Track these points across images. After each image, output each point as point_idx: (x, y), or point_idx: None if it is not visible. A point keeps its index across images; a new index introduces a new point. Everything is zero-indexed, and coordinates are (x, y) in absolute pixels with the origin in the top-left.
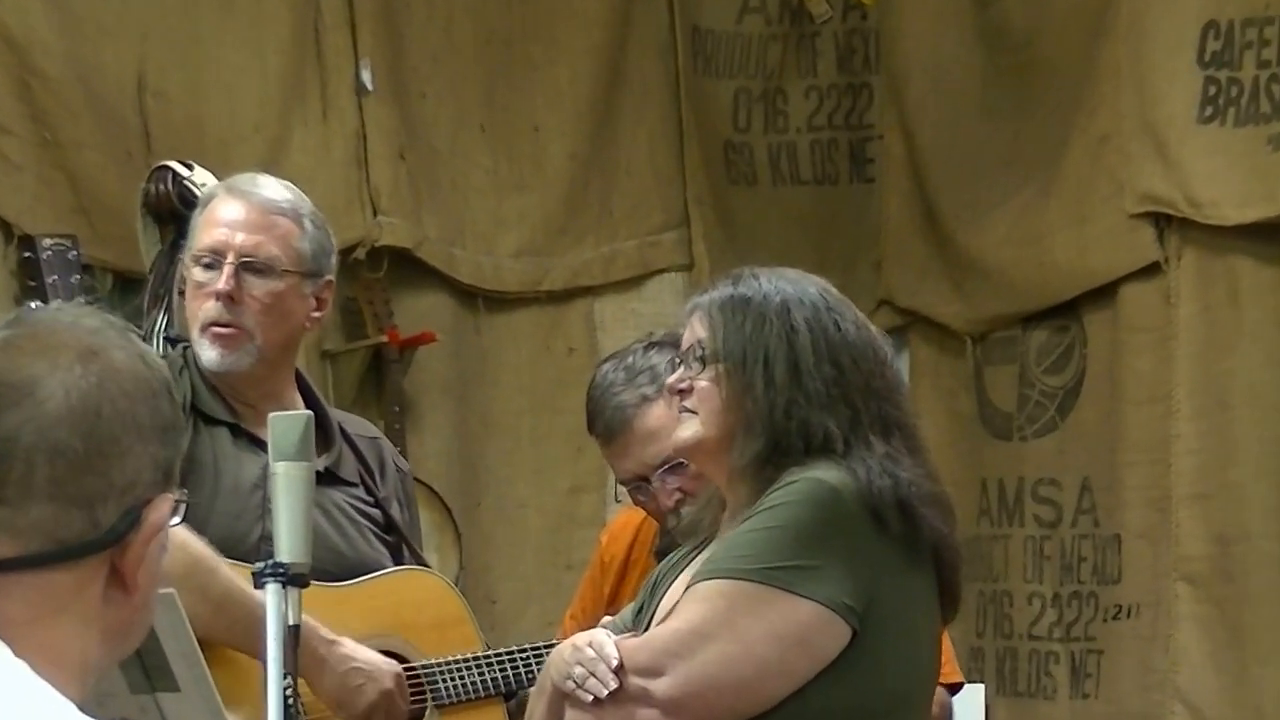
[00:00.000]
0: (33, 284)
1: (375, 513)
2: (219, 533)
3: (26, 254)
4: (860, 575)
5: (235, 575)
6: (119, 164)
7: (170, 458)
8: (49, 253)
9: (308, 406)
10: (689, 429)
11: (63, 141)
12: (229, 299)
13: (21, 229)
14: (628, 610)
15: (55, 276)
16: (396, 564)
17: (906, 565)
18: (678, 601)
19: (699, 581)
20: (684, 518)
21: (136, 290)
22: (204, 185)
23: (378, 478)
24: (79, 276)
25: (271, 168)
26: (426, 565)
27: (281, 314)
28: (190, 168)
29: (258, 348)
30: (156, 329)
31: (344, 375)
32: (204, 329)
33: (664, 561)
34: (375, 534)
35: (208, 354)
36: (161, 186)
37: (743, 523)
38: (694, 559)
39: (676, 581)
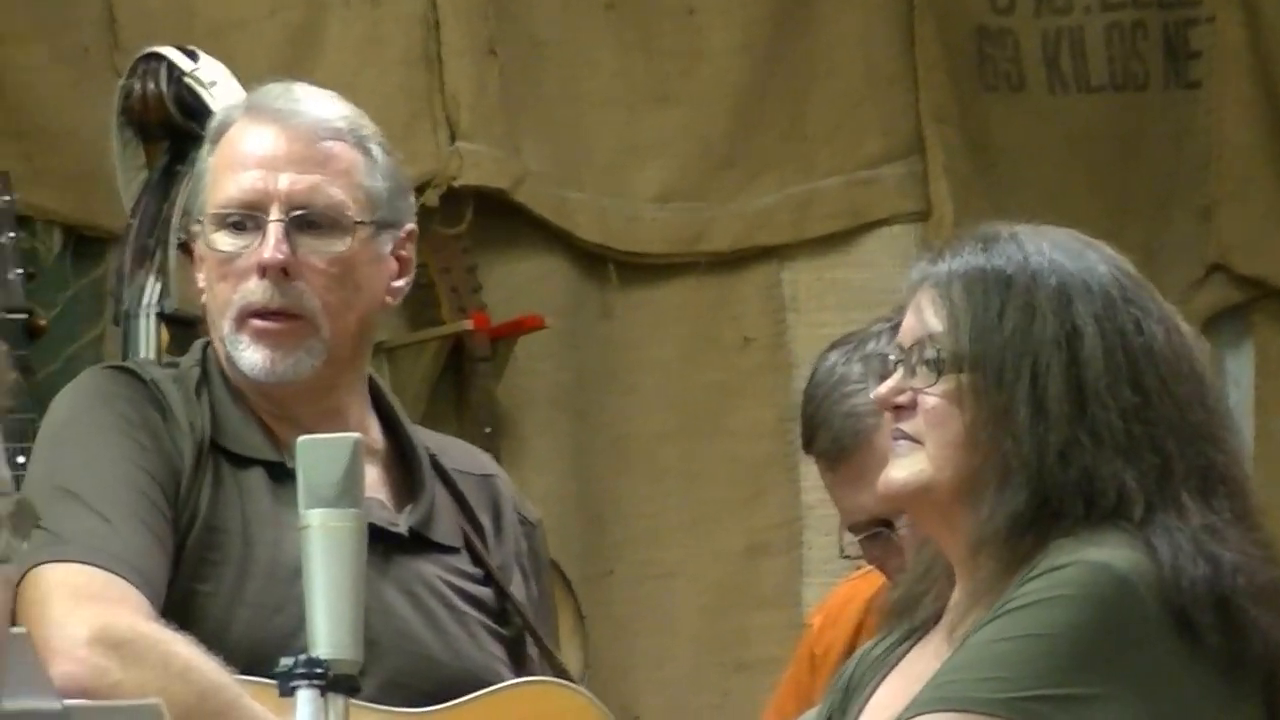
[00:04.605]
0: None
1: (485, 592)
2: (249, 636)
3: None
4: (1159, 709)
5: (268, 714)
6: (70, 64)
7: None
8: None
9: (387, 429)
10: (908, 466)
11: None
12: (280, 273)
13: None
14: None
15: None
16: (517, 671)
17: (1227, 693)
18: None
19: (921, 712)
20: (894, 589)
21: (96, 253)
22: (214, 85)
23: (490, 537)
24: (12, 234)
25: (295, 71)
26: (564, 671)
27: (354, 287)
28: (194, 57)
29: (324, 343)
30: (146, 301)
31: (407, 380)
32: (240, 321)
33: (860, 653)
34: (485, 625)
35: (251, 358)
36: (151, 85)
37: (988, 622)
38: (907, 653)
39: (881, 689)
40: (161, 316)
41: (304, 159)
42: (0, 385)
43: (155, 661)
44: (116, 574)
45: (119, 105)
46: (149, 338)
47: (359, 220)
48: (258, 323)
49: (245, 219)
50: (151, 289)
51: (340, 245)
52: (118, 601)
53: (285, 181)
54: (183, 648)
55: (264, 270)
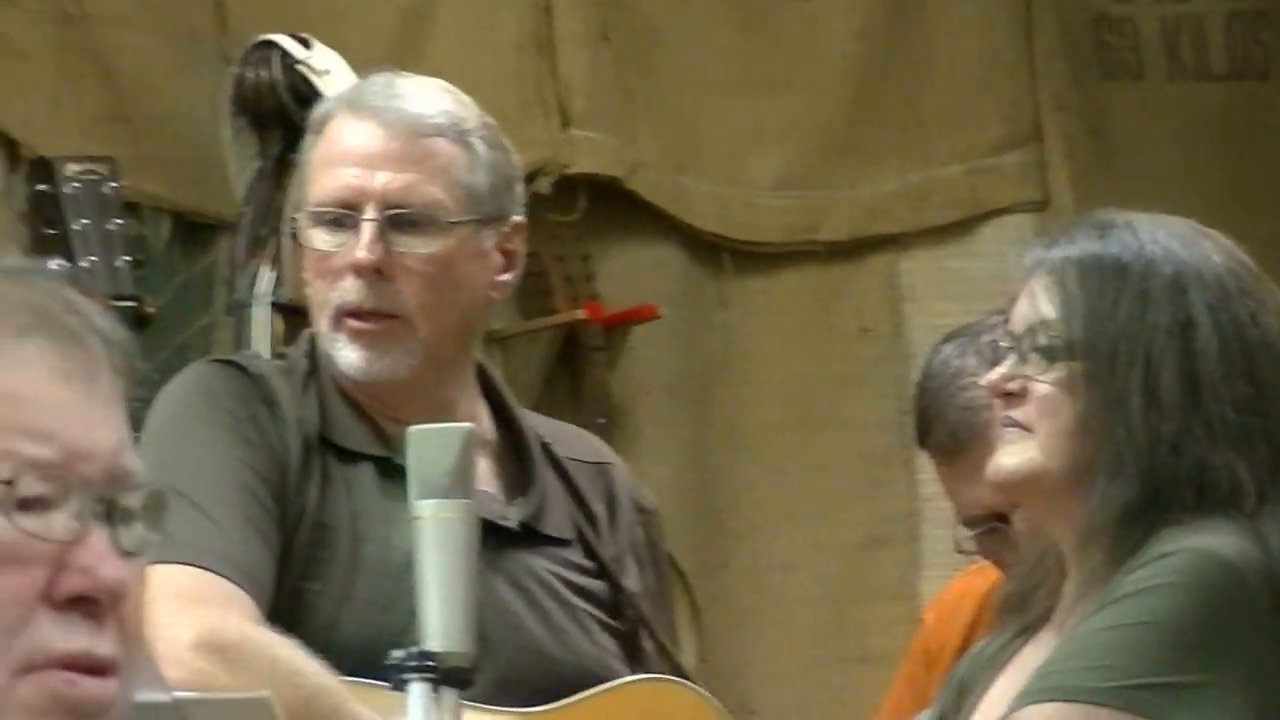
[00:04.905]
0: (51, 230)
1: (598, 585)
2: (358, 634)
3: (41, 186)
4: (1266, 697)
5: (373, 718)
6: (177, 48)
7: None
8: (75, 185)
9: (499, 420)
10: (1018, 454)
11: (91, 15)
12: (374, 273)
13: (33, 149)
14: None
15: (84, 220)
16: (631, 665)
17: None
18: None
19: (1029, 703)
20: (1006, 585)
21: (205, 240)
22: (327, 73)
23: (604, 527)
24: (119, 220)
25: (406, 57)
26: (679, 665)
27: (453, 286)
28: (307, 45)
29: (422, 343)
30: (260, 291)
31: (519, 370)
32: (337, 320)
33: (973, 652)
34: (598, 619)
35: (347, 358)
36: (264, 73)
37: (1096, 612)
38: (1020, 650)
39: (995, 687)
40: (276, 306)
41: (401, 156)
42: (131, 375)
43: (261, 665)
44: (222, 575)
45: (231, 93)
46: (263, 328)
47: (457, 218)
48: (353, 323)
49: (341, 217)
50: (265, 279)
51: (436, 244)
52: (223, 604)
53: (381, 180)
54: (288, 651)
55: (357, 270)
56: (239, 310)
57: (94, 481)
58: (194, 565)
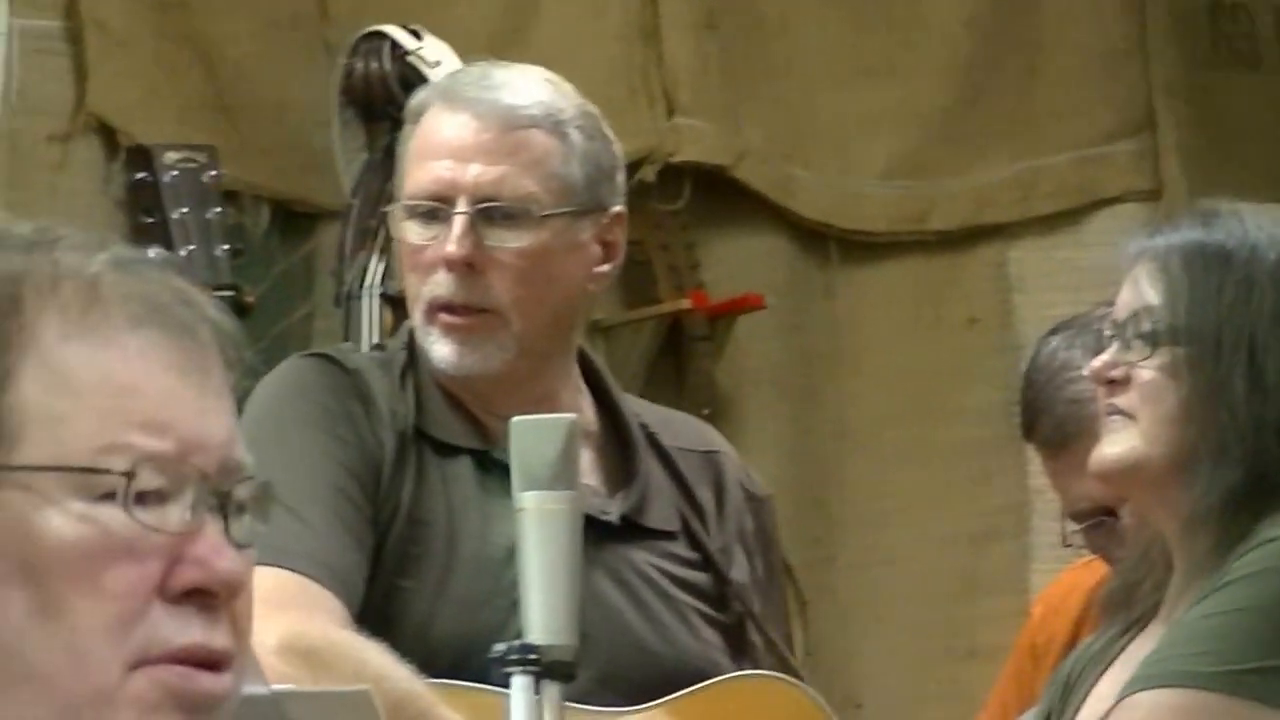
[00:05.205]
0: (149, 219)
1: (702, 577)
2: (454, 631)
3: (139, 175)
4: None
5: None
6: (278, 36)
7: None
8: (174, 172)
9: (602, 410)
10: (1121, 442)
11: (191, 2)
12: (465, 267)
13: (131, 137)
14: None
15: (183, 209)
16: (737, 659)
17: None
18: (1104, 716)
19: (1136, 690)
20: (1112, 579)
21: (305, 229)
22: (438, 65)
23: (711, 517)
24: (219, 209)
25: (510, 45)
26: (785, 658)
27: (546, 279)
28: (418, 36)
29: (515, 336)
30: (370, 283)
31: (623, 360)
32: (430, 314)
33: (1080, 648)
34: (702, 612)
35: (440, 352)
36: (374, 64)
37: (1202, 598)
38: (1128, 646)
39: (1102, 683)
40: (384, 298)
41: (493, 148)
42: (238, 365)
43: (346, 670)
44: (310, 577)
45: (340, 85)
46: (372, 319)
47: (550, 211)
48: (445, 317)
49: (434, 210)
50: (374, 270)
51: (529, 237)
52: (309, 607)
53: (473, 172)
54: (374, 655)
55: (448, 264)
56: (348, 302)
57: (208, 474)
58: (281, 567)
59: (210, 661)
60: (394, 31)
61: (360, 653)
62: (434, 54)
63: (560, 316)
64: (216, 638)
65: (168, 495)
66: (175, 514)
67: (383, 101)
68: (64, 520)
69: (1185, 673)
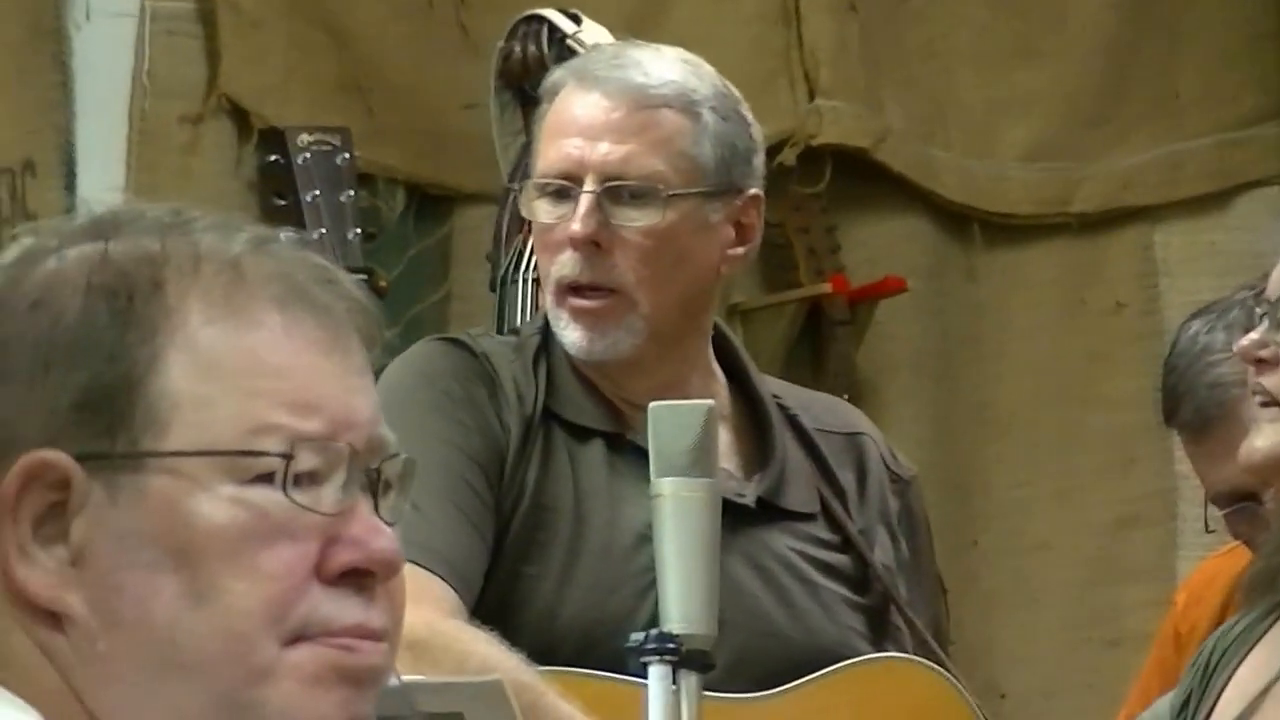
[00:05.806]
0: (281, 201)
1: (842, 559)
2: (580, 618)
3: (272, 157)
4: None
5: (574, 713)
6: (413, 17)
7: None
8: (307, 155)
9: (738, 390)
10: (1272, 435)
11: None
12: (591, 246)
13: (264, 119)
14: (1163, 704)
15: (315, 191)
16: (878, 641)
17: None
18: (1255, 699)
19: None
20: (1254, 564)
21: (440, 213)
22: (595, 48)
23: (853, 499)
24: (352, 192)
25: (649, 27)
26: (926, 641)
27: (676, 260)
28: (577, 20)
29: (644, 318)
30: (524, 270)
31: (762, 344)
32: (559, 295)
33: (1220, 632)
34: (842, 596)
35: (570, 336)
36: (532, 48)
37: None
38: (1270, 629)
39: (1244, 668)
40: (538, 283)
41: (622, 127)
42: (377, 344)
43: (451, 662)
44: (422, 566)
45: (497, 68)
46: (525, 304)
47: (678, 190)
48: (575, 301)
49: (563, 188)
50: (529, 256)
51: (655, 217)
52: (418, 598)
53: (601, 150)
54: (482, 646)
55: (575, 243)
56: (502, 287)
57: (358, 452)
58: None
59: (370, 638)
60: (552, 15)
61: (465, 644)
62: (592, 37)
63: (690, 298)
64: (374, 617)
65: (321, 476)
66: (329, 494)
67: (539, 85)
68: (216, 504)
69: None
